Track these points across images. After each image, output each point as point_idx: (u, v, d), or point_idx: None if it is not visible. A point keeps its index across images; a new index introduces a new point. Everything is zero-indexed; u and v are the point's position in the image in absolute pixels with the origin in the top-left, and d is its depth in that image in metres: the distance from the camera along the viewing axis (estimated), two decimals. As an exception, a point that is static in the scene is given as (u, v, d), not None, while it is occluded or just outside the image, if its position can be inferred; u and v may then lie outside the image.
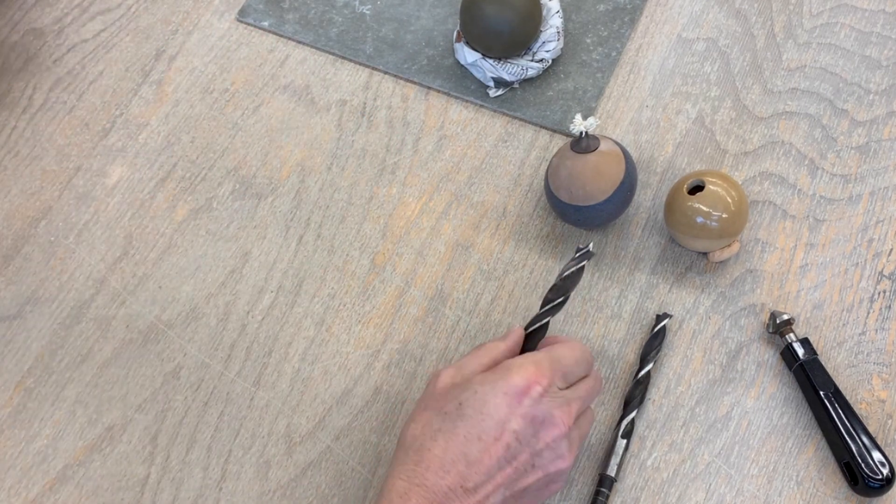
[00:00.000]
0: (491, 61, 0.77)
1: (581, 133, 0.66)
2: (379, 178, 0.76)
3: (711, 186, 0.68)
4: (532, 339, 0.61)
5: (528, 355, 0.57)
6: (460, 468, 0.52)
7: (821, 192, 0.74)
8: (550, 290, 0.61)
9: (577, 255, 0.61)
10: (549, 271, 0.72)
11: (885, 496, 0.63)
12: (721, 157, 0.76)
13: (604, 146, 0.67)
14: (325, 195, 0.76)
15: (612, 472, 0.64)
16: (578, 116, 0.66)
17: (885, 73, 0.79)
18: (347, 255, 0.73)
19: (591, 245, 0.62)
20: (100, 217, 0.76)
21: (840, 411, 0.64)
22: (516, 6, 0.74)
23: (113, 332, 0.71)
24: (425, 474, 0.52)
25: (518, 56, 0.78)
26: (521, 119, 0.78)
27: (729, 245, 0.69)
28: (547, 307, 0.61)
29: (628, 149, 0.76)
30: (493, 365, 0.58)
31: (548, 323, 0.61)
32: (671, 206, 0.69)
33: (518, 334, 0.60)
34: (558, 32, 0.78)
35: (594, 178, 0.67)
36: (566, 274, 0.61)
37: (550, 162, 0.70)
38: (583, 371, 0.59)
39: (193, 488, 0.66)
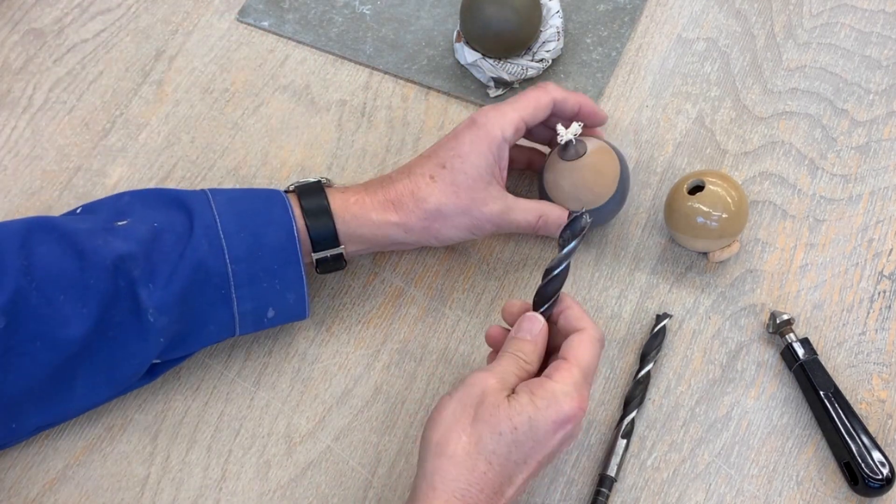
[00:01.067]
0: (491, 61, 0.77)
1: (570, 141, 0.66)
2: (379, 178, 0.76)
3: (711, 186, 0.68)
4: None
5: (569, 375, 0.56)
6: (505, 488, 0.56)
7: (821, 192, 0.74)
8: (537, 292, 0.60)
9: (571, 230, 0.59)
10: (549, 271, 0.72)
11: (885, 496, 0.63)
12: (721, 157, 0.76)
13: (591, 146, 0.67)
14: (325, 195, 0.75)
15: (612, 472, 0.64)
16: (560, 126, 0.65)
17: (885, 73, 0.79)
18: (347, 255, 0.73)
19: (584, 211, 0.59)
20: (100, 217, 0.76)
21: (840, 411, 0.64)
22: (516, 6, 0.74)
23: (113, 332, 0.71)
24: (479, 496, 0.54)
25: (518, 56, 0.78)
26: (521, 119, 0.78)
27: (729, 245, 0.69)
28: (543, 308, 0.60)
29: (626, 148, 0.76)
30: (530, 373, 0.59)
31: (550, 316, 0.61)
32: (671, 206, 0.69)
33: (544, 334, 0.60)
34: (558, 32, 0.78)
35: (598, 179, 0.67)
36: (554, 275, 0.59)
37: (544, 178, 0.69)
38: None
39: (193, 488, 0.66)
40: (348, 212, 0.64)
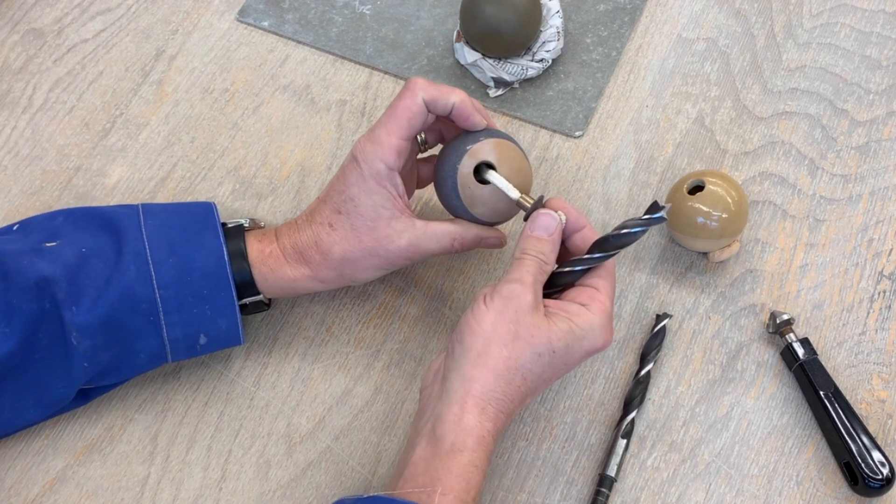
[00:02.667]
0: (491, 61, 0.77)
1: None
2: (379, 178, 0.76)
3: (711, 186, 0.68)
4: (561, 282, 0.61)
5: (602, 308, 0.59)
6: (528, 398, 0.59)
7: (821, 192, 0.74)
8: (597, 243, 0.60)
9: (647, 217, 0.58)
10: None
11: (885, 496, 0.63)
12: (721, 157, 0.76)
13: (497, 155, 0.62)
14: (325, 195, 0.75)
15: (612, 472, 0.64)
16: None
17: (885, 73, 0.79)
18: (347, 255, 0.73)
19: (666, 208, 0.58)
20: (100, 217, 0.76)
21: (840, 411, 0.64)
22: (516, 6, 0.74)
23: (113, 332, 0.71)
24: (510, 405, 0.58)
25: (518, 56, 0.78)
26: (521, 119, 0.78)
27: (729, 245, 0.69)
28: (584, 265, 0.60)
29: (626, 148, 0.76)
30: (548, 273, 0.60)
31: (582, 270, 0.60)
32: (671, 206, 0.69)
33: (559, 231, 0.61)
34: (558, 32, 0.78)
35: (520, 185, 0.63)
36: (621, 232, 0.59)
37: (459, 193, 0.63)
38: None
39: (193, 488, 0.66)
40: (265, 264, 0.64)
